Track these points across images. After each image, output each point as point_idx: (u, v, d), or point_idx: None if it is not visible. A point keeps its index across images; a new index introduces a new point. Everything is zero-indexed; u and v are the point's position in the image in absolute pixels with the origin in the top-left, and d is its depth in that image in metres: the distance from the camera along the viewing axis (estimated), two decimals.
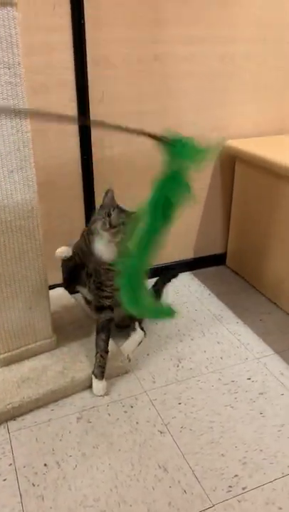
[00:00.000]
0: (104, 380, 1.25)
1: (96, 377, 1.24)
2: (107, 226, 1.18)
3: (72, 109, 1.42)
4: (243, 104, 1.69)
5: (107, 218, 1.19)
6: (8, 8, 0.95)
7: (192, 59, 1.53)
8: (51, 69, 1.36)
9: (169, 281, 1.80)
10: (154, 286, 1.70)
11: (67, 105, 1.41)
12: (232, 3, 1.50)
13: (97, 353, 1.26)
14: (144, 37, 1.44)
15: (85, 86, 1.41)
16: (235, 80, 1.63)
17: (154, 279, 1.74)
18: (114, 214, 1.19)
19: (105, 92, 1.45)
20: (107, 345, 1.27)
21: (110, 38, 1.40)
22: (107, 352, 1.26)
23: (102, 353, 1.25)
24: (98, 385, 1.24)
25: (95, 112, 1.46)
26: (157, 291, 1.69)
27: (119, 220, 1.18)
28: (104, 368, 1.25)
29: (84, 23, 1.33)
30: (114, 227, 1.18)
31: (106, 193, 1.24)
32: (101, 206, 1.24)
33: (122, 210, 1.21)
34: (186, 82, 1.56)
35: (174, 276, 1.84)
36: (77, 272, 1.30)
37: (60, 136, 1.45)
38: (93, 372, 1.25)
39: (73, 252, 1.27)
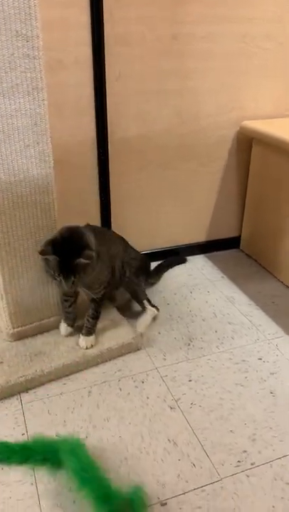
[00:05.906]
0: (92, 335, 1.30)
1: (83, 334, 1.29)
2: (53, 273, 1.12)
3: (89, 86, 1.42)
4: (262, 84, 1.66)
5: (59, 275, 1.10)
6: None
7: (211, 39, 1.51)
8: (68, 46, 1.36)
9: (174, 266, 1.77)
10: (158, 266, 1.69)
11: (84, 83, 1.42)
12: None
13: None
14: (163, 16, 1.43)
15: (102, 64, 1.40)
16: (255, 61, 1.61)
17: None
18: (67, 280, 1.11)
19: (122, 70, 1.45)
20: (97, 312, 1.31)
21: (128, 16, 1.39)
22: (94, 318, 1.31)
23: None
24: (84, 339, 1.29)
25: (112, 90, 1.45)
26: (159, 272, 1.68)
27: (69, 286, 1.12)
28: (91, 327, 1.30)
29: (102, 0, 1.33)
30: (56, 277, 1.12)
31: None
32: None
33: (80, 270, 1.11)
34: (205, 62, 1.54)
35: (182, 262, 1.81)
36: None
37: (76, 114, 1.45)
38: (82, 332, 1.29)
39: None
